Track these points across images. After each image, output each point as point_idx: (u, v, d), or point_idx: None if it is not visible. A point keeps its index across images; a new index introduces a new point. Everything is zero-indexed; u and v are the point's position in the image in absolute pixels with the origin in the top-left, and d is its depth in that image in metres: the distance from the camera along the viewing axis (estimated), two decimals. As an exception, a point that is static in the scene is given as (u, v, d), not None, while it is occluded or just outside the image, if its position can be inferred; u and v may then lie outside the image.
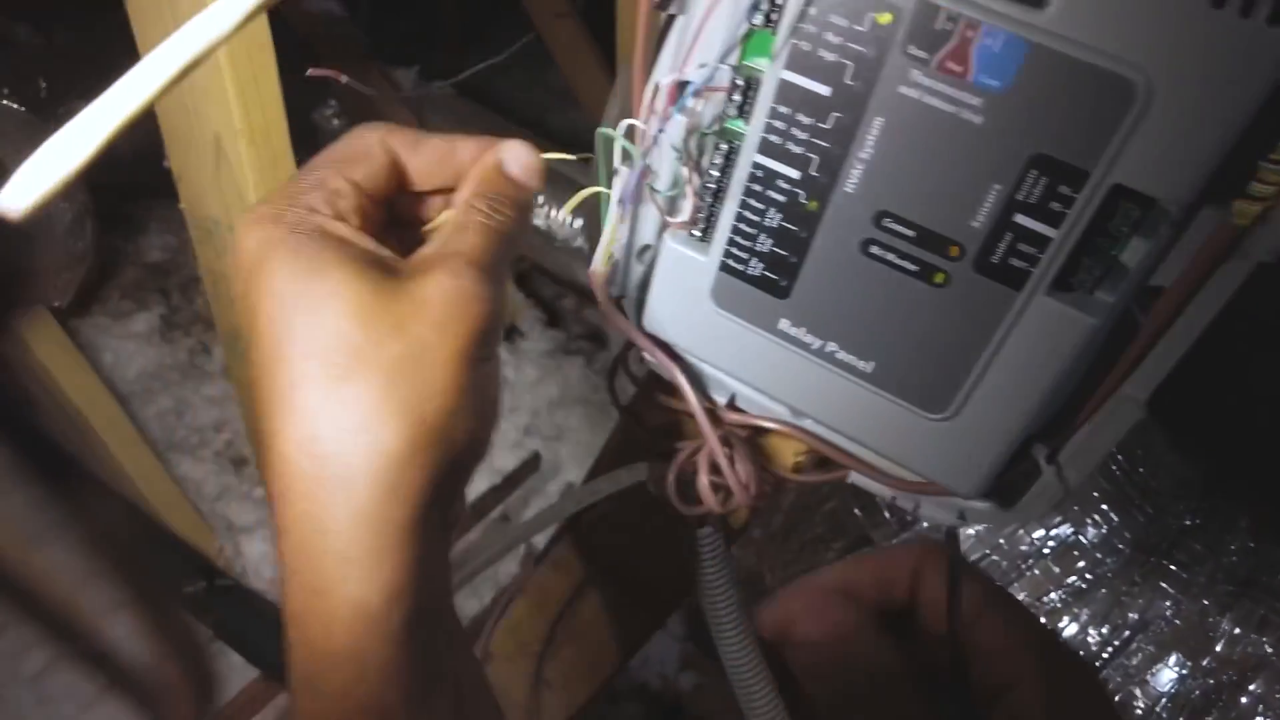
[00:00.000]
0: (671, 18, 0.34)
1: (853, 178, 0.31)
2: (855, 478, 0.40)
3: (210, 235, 0.71)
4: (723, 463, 0.41)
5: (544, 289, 1.57)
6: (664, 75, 0.34)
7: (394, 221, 0.33)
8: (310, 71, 0.29)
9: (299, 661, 0.28)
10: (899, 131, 0.29)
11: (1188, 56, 0.25)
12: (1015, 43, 0.26)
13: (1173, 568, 0.64)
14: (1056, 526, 0.64)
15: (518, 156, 0.33)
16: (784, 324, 0.35)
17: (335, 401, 0.27)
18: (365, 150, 0.31)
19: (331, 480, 0.27)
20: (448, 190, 0.33)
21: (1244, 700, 0.60)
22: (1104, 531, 0.65)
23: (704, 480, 0.42)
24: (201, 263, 0.74)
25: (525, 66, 1.93)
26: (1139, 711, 0.62)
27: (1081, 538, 0.65)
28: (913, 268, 0.31)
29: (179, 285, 1.44)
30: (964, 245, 0.30)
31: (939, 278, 0.31)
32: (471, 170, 0.32)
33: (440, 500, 0.28)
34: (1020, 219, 0.29)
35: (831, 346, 0.35)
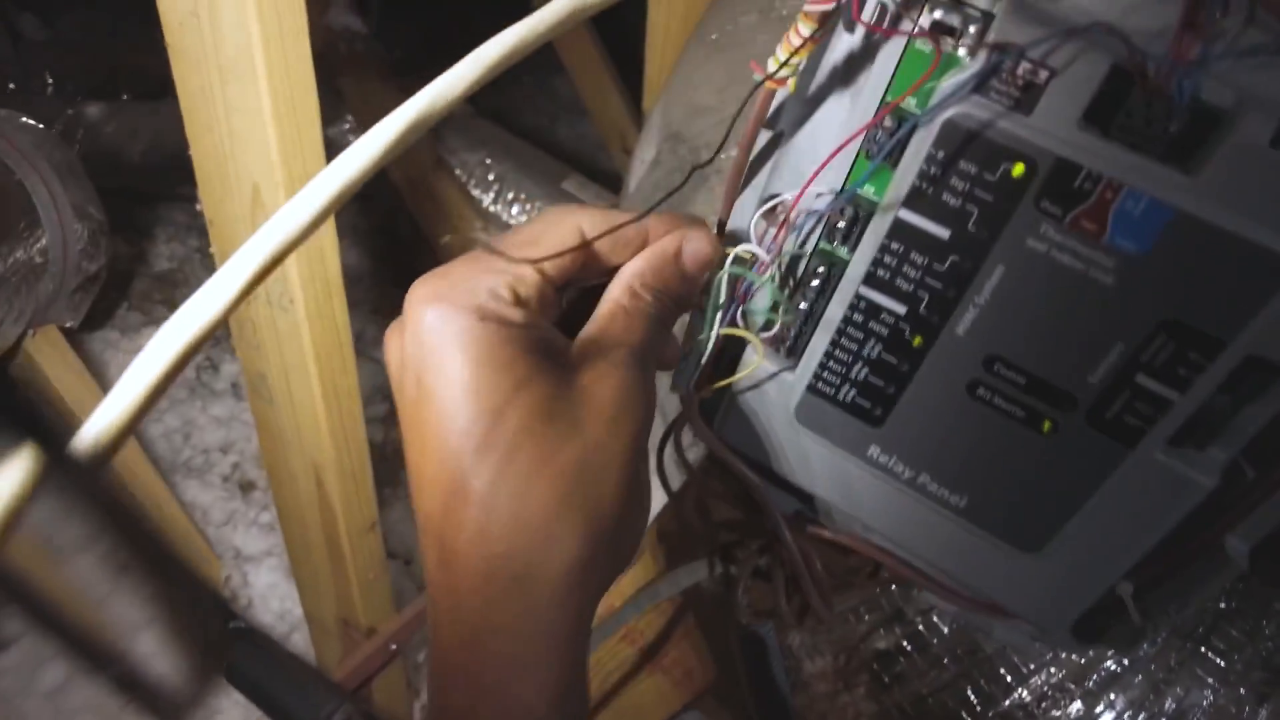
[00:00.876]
0: (777, 136, 0.33)
1: (965, 320, 0.30)
2: (925, 594, 0.39)
3: (241, 279, 0.69)
4: (805, 576, 0.40)
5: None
6: (762, 194, 0.33)
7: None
8: None
9: None
10: (1021, 282, 0.28)
11: (1345, 239, 0.24)
12: (1159, 208, 0.26)
13: (1210, 654, 0.63)
14: (1095, 610, 0.63)
15: (696, 249, 0.32)
16: (874, 451, 0.34)
17: (518, 500, 0.26)
18: (559, 238, 0.30)
19: (509, 581, 0.26)
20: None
21: (1281, 798, 0.59)
22: (1142, 617, 0.64)
23: (781, 594, 0.41)
24: (229, 304, 0.73)
25: (535, 75, 1.92)
26: (1174, 803, 0.61)
27: (1119, 622, 0.64)
28: (1020, 414, 0.30)
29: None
30: (1078, 398, 0.29)
31: (1046, 426, 0.30)
32: (647, 250, 0.31)
33: (597, 603, 0.29)
34: (1142, 380, 0.28)
35: (924, 479, 0.34)
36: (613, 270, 0.32)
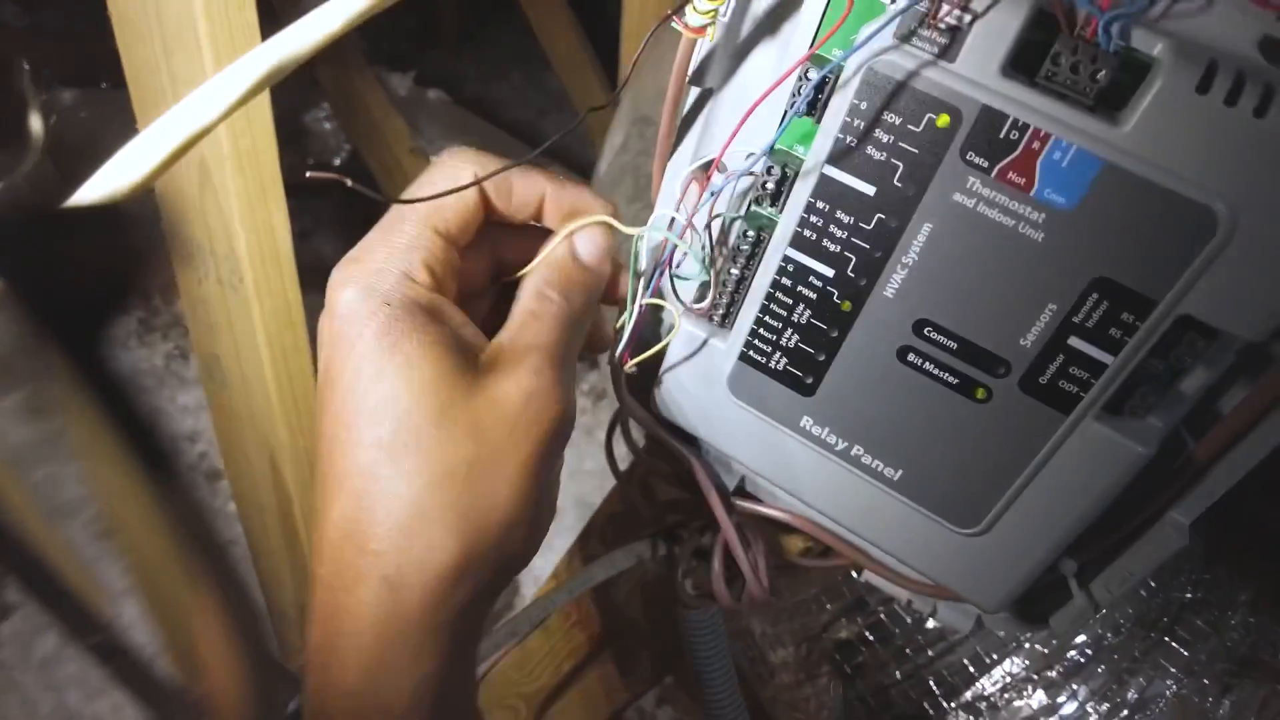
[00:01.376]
0: (706, 93, 0.31)
1: (893, 282, 0.29)
2: (867, 575, 0.38)
3: (191, 259, 0.68)
4: (741, 556, 0.39)
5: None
6: (694, 156, 0.32)
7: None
8: (310, 174, 0.27)
9: None
10: (949, 240, 0.27)
11: (1266, 194, 0.23)
12: (1086, 159, 0.24)
13: (1174, 645, 0.62)
14: (1058, 599, 0.62)
15: (589, 244, 0.31)
16: (806, 421, 0.33)
17: (396, 500, 0.25)
18: (462, 201, 0.29)
19: (378, 581, 0.25)
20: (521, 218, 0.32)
21: (1245, 789, 0.59)
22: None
23: (718, 573, 0.40)
24: (182, 288, 0.71)
25: (522, 70, 1.90)
26: (1136, 794, 0.61)
27: (1083, 611, 0.63)
28: (952, 380, 0.29)
29: (160, 286, 1.40)
30: (1011, 363, 0.28)
31: (980, 393, 0.29)
32: (544, 256, 0.31)
33: (483, 603, 0.28)
34: (1075, 342, 0.27)
35: (857, 450, 0.32)
36: (518, 235, 0.32)
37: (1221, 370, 0.27)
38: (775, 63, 0.29)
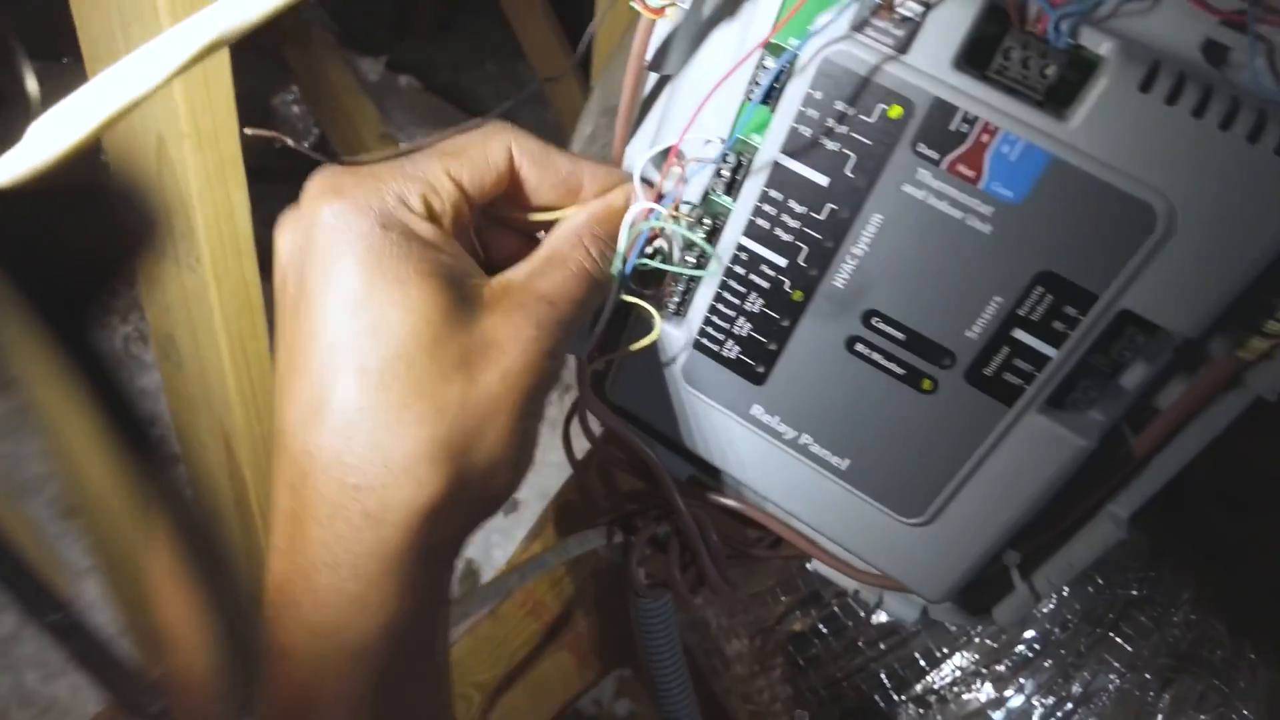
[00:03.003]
0: (664, 79, 0.31)
1: (843, 272, 0.29)
2: (815, 564, 0.39)
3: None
4: (696, 544, 0.39)
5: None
6: (653, 142, 0.32)
7: (489, 219, 0.31)
8: (249, 131, 0.26)
9: (278, 699, 0.26)
10: (898, 231, 0.27)
11: (1216, 188, 0.23)
12: (1034, 153, 0.25)
13: (1118, 640, 0.64)
14: (1008, 594, 0.64)
15: (640, 199, 0.30)
16: (757, 410, 0.33)
17: (384, 431, 0.24)
18: (484, 155, 0.28)
19: (359, 516, 0.24)
20: (555, 209, 0.30)
21: (1181, 780, 0.60)
22: (1054, 601, 0.64)
23: (674, 561, 0.40)
24: (139, 266, 0.70)
25: (499, 60, 1.89)
26: (1078, 786, 0.62)
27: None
28: (899, 371, 0.30)
29: (139, 295, 1.37)
30: (956, 355, 0.28)
31: (926, 384, 0.29)
32: (596, 203, 0.30)
33: (458, 543, 0.28)
34: (1019, 335, 0.27)
35: (806, 439, 0.33)
36: (531, 210, 0.30)
37: (1161, 366, 0.28)
38: (733, 49, 0.29)
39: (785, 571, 0.66)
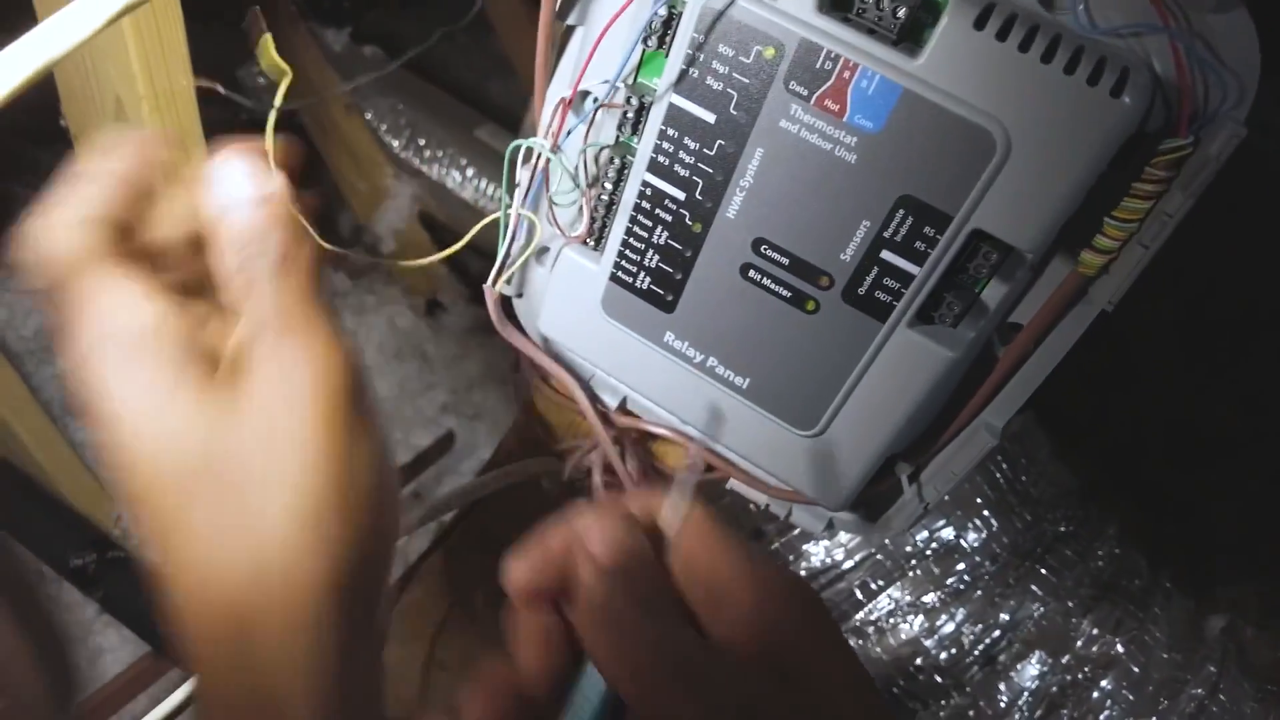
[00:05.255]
0: (571, 28, 0.34)
1: (734, 204, 0.32)
2: (733, 483, 0.42)
3: (109, 199, 0.69)
4: (615, 462, 0.42)
5: (471, 263, 1.55)
6: (563, 87, 0.34)
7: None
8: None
9: None
10: (778, 163, 0.30)
11: (1041, 116, 0.26)
12: (888, 87, 0.28)
13: (1044, 572, 0.68)
14: (939, 530, 0.67)
15: (233, 175, 0.25)
16: (669, 337, 0.36)
17: (175, 529, 0.22)
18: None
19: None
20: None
21: (1095, 695, 0.64)
22: (984, 536, 0.68)
23: (597, 479, 0.43)
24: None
25: (470, 32, 1.89)
26: (1003, 704, 0.66)
27: (963, 541, 0.68)
28: (786, 294, 0.33)
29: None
30: (834, 276, 0.31)
31: (810, 305, 0.32)
32: (210, 221, 0.26)
33: (358, 603, 0.24)
34: (886, 255, 0.30)
35: (712, 361, 0.36)
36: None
37: (1021, 284, 0.31)
38: (629, -1, 0.31)
39: (731, 510, 0.69)
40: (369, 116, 1.42)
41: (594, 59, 0.33)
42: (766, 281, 0.33)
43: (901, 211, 0.29)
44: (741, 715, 0.21)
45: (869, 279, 0.31)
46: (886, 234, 0.30)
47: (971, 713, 0.66)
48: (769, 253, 0.32)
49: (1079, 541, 0.71)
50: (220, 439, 0.22)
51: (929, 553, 0.67)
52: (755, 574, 0.24)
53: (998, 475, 0.68)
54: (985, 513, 0.67)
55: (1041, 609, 0.66)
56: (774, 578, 0.24)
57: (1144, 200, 0.28)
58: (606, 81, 0.32)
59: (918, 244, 0.29)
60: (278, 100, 0.28)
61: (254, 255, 0.25)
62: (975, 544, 0.68)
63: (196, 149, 0.65)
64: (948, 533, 0.67)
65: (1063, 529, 0.72)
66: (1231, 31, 0.26)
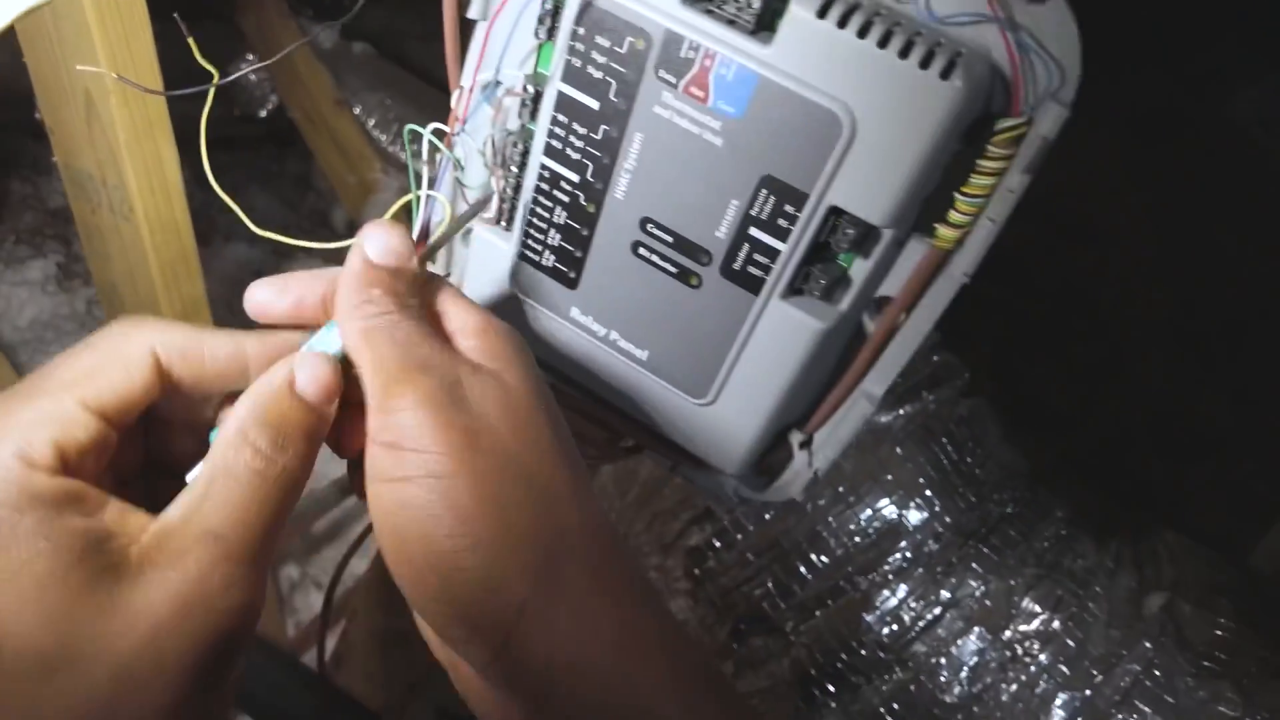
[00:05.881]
0: (471, 23, 0.36)
1: (621, 185, 0.34)
2: (649, 454, 0.44)
3: (84, 189, 0.71)
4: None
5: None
6: (468, 78, 0.37)
7: (160, 421, 0.28)
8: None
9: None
10: (655, 147, 0.32)
11: (881, 98, 0.28)
12: (746, 74, 0.30)
13: (986, 551, 0.70)
14: (882, 509, 0.69)
15: (314, 376, 0.26)
16: (575, 312, 0.38)
17: None
18: (122, 369, 0.25)
19: None
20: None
21: (1033, 669, 0.66)
22: (926, 516, 0.70)
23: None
24: (76, 216, 0.75)
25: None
26: (943, 678, 0.68)
27: (905, 520, 0.70)
28: (673, 270, 0.35)
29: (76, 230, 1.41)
30: (712, 253, 0.34)
31: (694, 280, 0.35)
32: (254, 387, 0.26)
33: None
34: (754, 232, 0.32)
35: (614, 335, 0.38)
36: (202, 402, 0.28)
37: (883, 258, 0.33)
38: (521, -5, 0.34)
39: (681, 492, 0.71)
40: (358, 111, 1.45)
41: (508, 51, 0.36)
42: (655, 258, 0.35)
43: (765, 191, 0.31)
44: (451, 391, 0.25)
45: (741, 255, 0.33)
46: (753, 212, 0.32)
47: (913, 687, 0.68)
48: (655, 231, 0.34)
49: (1024, 522, 0.73)
50: (80, 638, 0.21)
51: (871, 531, 0.69)
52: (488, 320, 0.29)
53: (942, 457, 0.71)
54: (928, 492, 0.69)
55: (984, 587, 0.68)
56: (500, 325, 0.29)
57: (988, 176, 0.30)
58: (511, 71, 0.34)
59: (781, 221, 0.32)
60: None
61: (270, 444, 0.25)
62: (918, 523, 0.70)
63: (166, 144, 0.68)
64: (890, 511, 0.69)
65: (1009, 510, 0.74)
66: (1051, 21, 0.28)
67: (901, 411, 0.71)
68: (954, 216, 0.31)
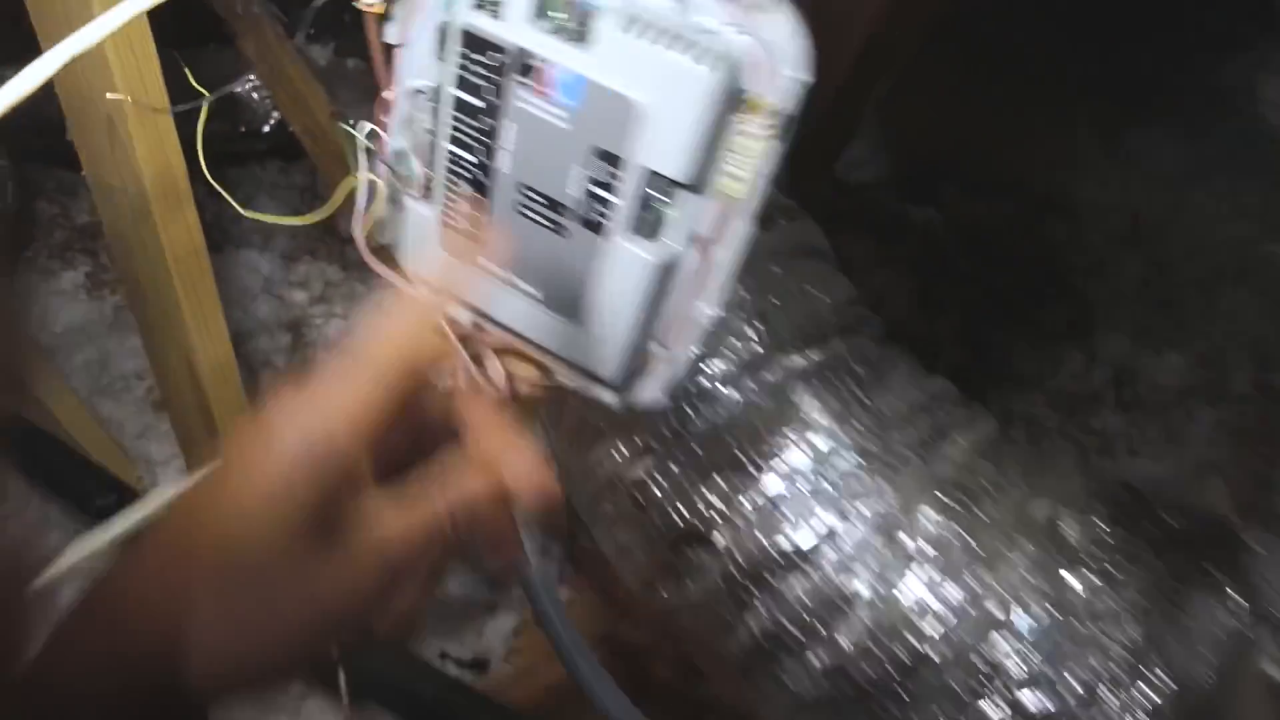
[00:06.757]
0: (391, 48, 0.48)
1: (504, 162, 0.46)
2: (559, 377, 0.56)
3: (109, 198, 0.84)
4: (473, 370, 0.56)
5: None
6: (385, 89, 0.49)
7: None
8: None
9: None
10: (523, 131, 0.44)
11: (657, 84, 0.40)
12: (576, 76, 0.42)
13: (886, 468, 0.81)
14: (795, 439, 0.81)
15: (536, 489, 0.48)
16: (485, 261, 0.50)
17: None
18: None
19: None
20: None
21: (927, 566, 0.77)
22: (833, 444, 0.81)
23: (461, 384, 0.57)
24: (105, 222, 0.88)
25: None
26: (845, 577, 0.79)
27: (815, 446, 0.81)
28: (548, 224, 0.47)
29: (107, 246, 1.56)
30: (570, 207, 0.45)
31: (563, 230, 0.46)
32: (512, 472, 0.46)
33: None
34: (595, 189, 0.44)
35: (516, 279, 0.50)
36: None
37: (693, 204, 0.45)
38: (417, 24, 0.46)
39: (623, 427, 0.83)
40: (352, 123, 1.58)
41: (418, 66, 0.48)
42: (535, 216, 0.47)
43: (599, 159, 0.43)
44: None
45: (587, 206, 0.45)
46: (593, 175, 0.44)
47: (822, 584, 0.79)
48: (530, 194, 0.46)
49: (925, 448, 0.84)
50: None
51: (783, 455, 0.80)
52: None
53: (846, 394, 0.82)
54: (833, 424, 0.81)
55: (882, 501, 0.80)
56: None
57: (748, 139, 0.41)
58: (422, 81, 0.47)
59: (612, 179, 0.43)
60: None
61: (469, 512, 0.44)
62: (825, 450, 0.81)
63: (175, 155, 0.81)
64: (800, 440, 0.80)
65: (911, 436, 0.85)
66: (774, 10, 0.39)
67: (813, 356, 0.83)
68: (731, 170, 0.42)
